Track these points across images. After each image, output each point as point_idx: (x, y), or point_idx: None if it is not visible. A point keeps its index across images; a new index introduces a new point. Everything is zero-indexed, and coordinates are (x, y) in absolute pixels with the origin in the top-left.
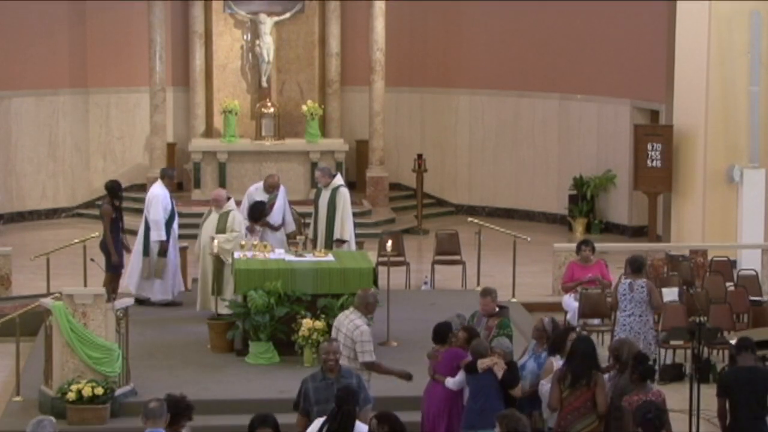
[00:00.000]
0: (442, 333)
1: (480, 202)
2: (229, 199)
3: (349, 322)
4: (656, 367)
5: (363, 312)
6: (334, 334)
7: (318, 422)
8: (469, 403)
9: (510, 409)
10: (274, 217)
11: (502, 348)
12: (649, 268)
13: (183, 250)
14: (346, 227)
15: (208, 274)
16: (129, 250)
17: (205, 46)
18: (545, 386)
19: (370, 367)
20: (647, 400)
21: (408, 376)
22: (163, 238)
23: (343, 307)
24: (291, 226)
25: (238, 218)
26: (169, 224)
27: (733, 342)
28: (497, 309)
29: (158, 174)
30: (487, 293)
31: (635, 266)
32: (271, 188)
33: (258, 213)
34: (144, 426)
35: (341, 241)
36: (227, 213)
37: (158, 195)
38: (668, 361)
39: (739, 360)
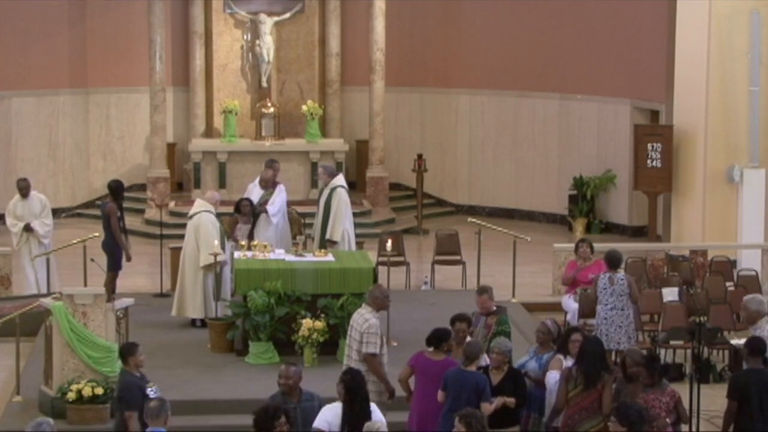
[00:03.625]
0: (438, 338)
1: (480, 202)
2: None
3: (359, 317)
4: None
5: (373, 308)
6: (349, 332)
7: (330, 410)
8: (447, 408)
9: (466, 408)
10: (274, 212)
11: (502, 348)
12: (649, 268)
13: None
14: (336, 228)
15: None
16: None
17: (205, 46)
18: (552, 375)
19: (369, 359)
20: (625, 402)
21: (391, 395)
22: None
23: (343, 307)
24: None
25: None
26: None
27: (733, 342)
28: (495, 308)
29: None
30: (484, 291)
31: (613, 261)
32: (264, 183)
33: (235, 206)
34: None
35: (332, 242)
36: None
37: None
38: (668, 361)
39: (749, 362)
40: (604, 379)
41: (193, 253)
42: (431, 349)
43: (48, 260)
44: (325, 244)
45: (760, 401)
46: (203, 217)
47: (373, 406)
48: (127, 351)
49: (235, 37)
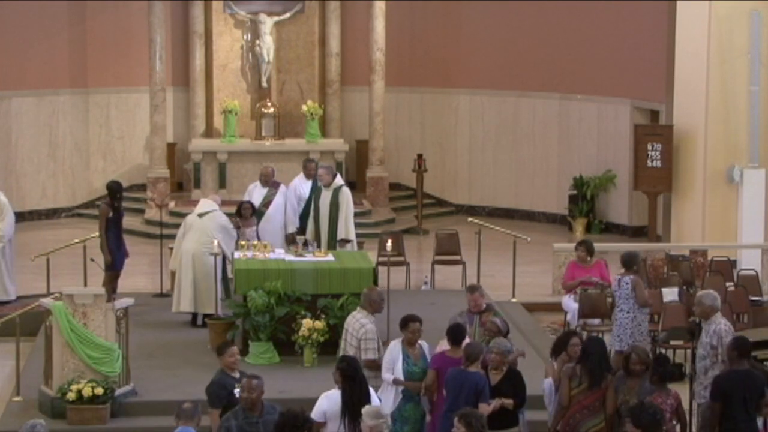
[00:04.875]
0: (459, 333)
1: (480, 202)
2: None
3: (355, 321)
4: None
5: (369, 310)
6: (343, 336)
7: (326, 398)
8: (447, 408)
9: (466, 408)
10: (273, 216)
11: (501, 348)
12: (649, 268)
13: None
14: (350, 227)
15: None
16: (127, 254)
17: (205, 46)
18: (546, 383)
19: (371, 364)
20: (644, 401)
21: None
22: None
23: (343, 307)
24: (292, 227)
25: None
26: (303, 217)
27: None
28: (485, 305)
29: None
30: (475, 289)
31: (625, 263)
32: (265, 179)
33: (237, 209)
34: (176, 425)
35: (346, 241)
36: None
37: (295, 184)
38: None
39: (733, 363)
40: (607, 380)
41: (204, 248)
42: (448, 347)
43: (5, 256)
44: (336, 244)
45: (745, 401)
46: (222, 216)
47: (372, 391)
48: (217, 350)
49: (235, 37)
